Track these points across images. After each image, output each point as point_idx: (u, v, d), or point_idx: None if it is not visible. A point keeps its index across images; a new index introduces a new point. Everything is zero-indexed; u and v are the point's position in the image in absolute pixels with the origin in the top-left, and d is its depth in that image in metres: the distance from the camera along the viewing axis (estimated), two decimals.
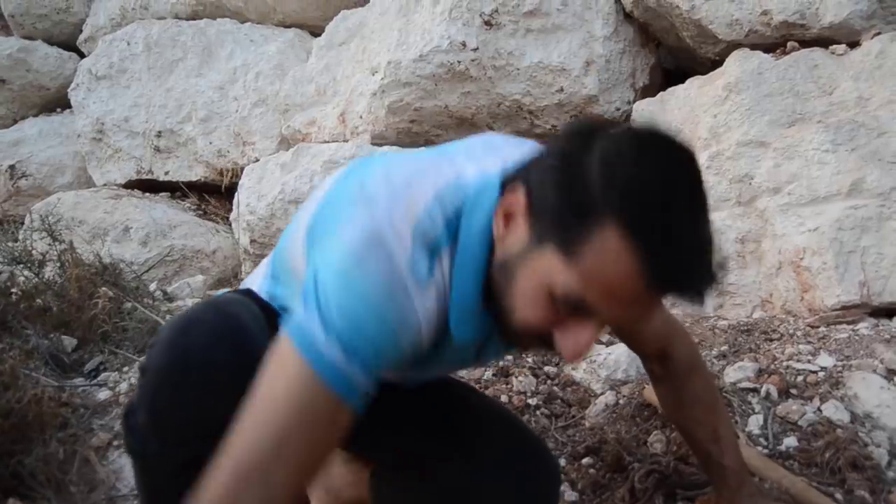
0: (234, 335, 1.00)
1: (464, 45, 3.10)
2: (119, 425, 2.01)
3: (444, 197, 0.91)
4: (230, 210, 4.07)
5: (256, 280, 1.23)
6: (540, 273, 0.84)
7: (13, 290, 2.64)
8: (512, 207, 0.88)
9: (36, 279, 2.77)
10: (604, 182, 0.77)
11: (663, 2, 2.98)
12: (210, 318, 1.02)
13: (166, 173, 4.19)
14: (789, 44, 2.65)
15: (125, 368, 2.45)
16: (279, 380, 0.84)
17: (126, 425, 1.05)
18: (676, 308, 2.63)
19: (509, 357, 2.31)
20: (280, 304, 1.15)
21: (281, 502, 0.82)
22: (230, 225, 3.92)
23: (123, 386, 2.18)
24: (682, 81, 3.69)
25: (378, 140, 3.35)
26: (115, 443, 1.93)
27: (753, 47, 2.84)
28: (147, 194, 4.20)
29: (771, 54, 2.62)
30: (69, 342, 2.60)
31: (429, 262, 0.88)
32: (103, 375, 2.31)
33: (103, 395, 2.11)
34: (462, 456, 1.12)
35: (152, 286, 3.40)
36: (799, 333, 2.13)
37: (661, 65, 3.61)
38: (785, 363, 1.92)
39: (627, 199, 0.76)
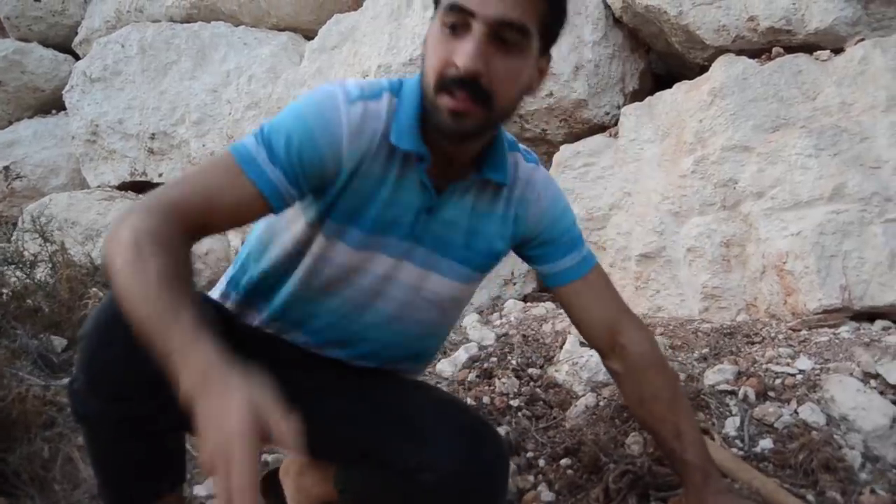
0: None
1: None
2: None
3: (370, 82, 1.18)
4: None
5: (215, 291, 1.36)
6: (435, 25, 1.07)
7: (3, 290, 2.66)
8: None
9: (27, 280, 2.79)
10: None
11: (651, 8, 3.00)
12: None
13: (160, 175, 4.21)
14: (774, 49, 2.68)
15: None
16: (207, 160, 1.04)
17: (70, 392, 1.14)
18: (663, 312, 2.66)
19: (493, 358, 2.33)
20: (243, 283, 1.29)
21: (185, 215, 1.00)
22: None
23: None
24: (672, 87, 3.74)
25: None
26: None
27: (740, 53, 2.86)
28: (141, 196, 4.22)
29: (756, 60, 2.64)
30: (59, 342, 2.62)
31: (361, 93, 1.12)
32: None
33: None
34: (415, 438, 1.18)
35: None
36: (780, 337, 2.14)
37: (651, 70, 3.64)
38: (764, 366, 1.94)
39: None
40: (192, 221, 1.00)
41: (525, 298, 3.27)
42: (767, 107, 2.49)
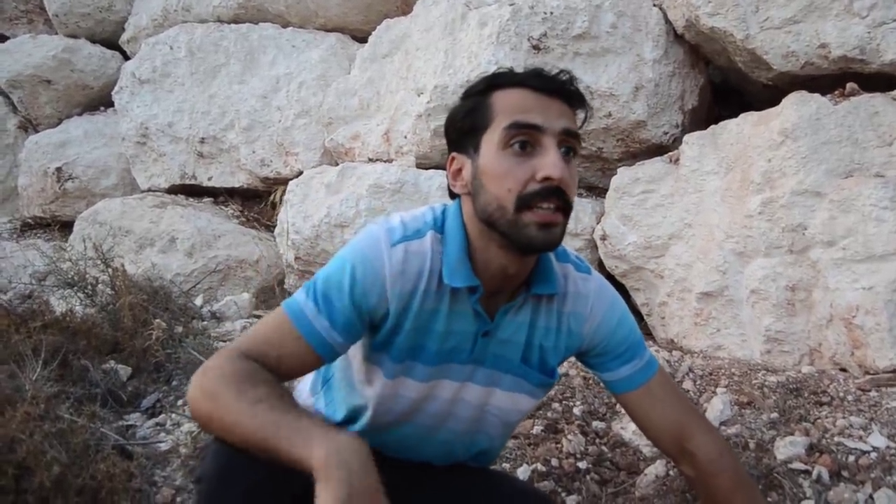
0: None
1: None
2: (181, 479, 2.09)
3: (415, 217, 1.23)
4: (272, 217, 4.11)
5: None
6: (490, 151, 1.12)
7: (69, 320, 2.71)
8: (451, 166, 1.21)
9: (92, 309, 2.84)
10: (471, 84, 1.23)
11: (717, 29, 2.92)
12: None
13: (209, 179, 4.24)
14: (848, 85, 2.59)
15: (179, 403, 2.53)
16: (267, 316, 1.18)
17: None
18: (723, 351, 2.64)
19: (557, 408, 2.34)
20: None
21: (254, 355, 1.09)
22: (272, 231, 3.97)
23: (181, 433, 2.24)
24: (731, 98, 3.65)
25: (423, 161, 3.35)
26: (179, 499, 2.01)
27: (809, 80, 2.78)
28: (191, 199, 4.26)
29: (829, 96, 2.56)
30: (124, 371, 2.68)
31: (404, 234, 1.17)
32: (161, 416, 2.39)
33: (164, 444, 2.18)
34: None
35: (198, 300, 3.47)
36: (850, 398, 2.12)
37: (710, 82, 3.55)
38: (836, 438, 1.93)
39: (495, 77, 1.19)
40: (271, 369, 1.10)
41: None
42: (841, 150, 2.42)
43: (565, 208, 1.10)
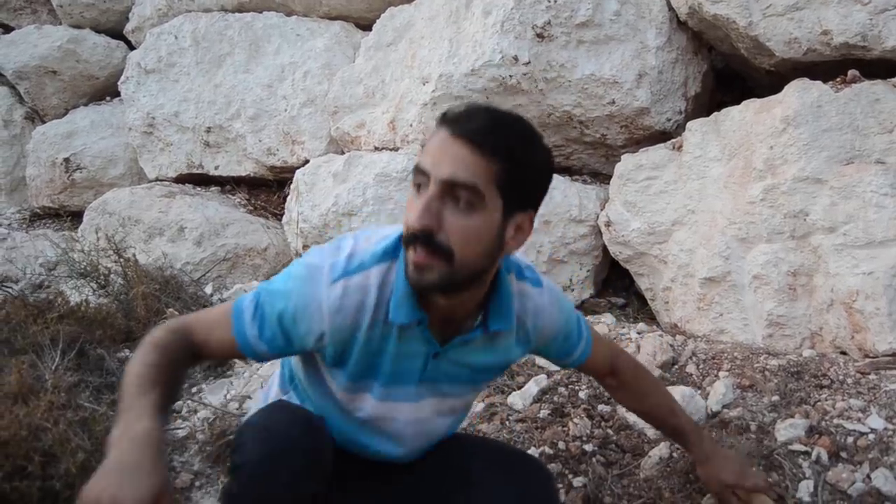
0: (306, 422, 1.29)
1: (515, 59, 3.10)
2: (199, 463, 2.15)
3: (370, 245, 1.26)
4: (279, 205, 4.16)
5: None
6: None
7: (83, 309, 2.77)
8: None
9: (105, 299, 2.90)
10: None
11: (720, 17, 2.94)
12: (283, 415, 1.30)
13: (216, 168, 4.28)
14: (850, 72, 2.62)
15: (193, 389, 2.58)
16: (223, 304, 1.29)
17: None
18: (726, 335, 2.69)
19: (561, 388, 2.40)
20: None
21: (191, 338, 1.22)
22: (280, 219, 4.01)
23: (197, 420, 2.30)
24: (734, 84, 3.67)
25: None
26: (197, 483, 2.07)
27: (812, 67, 2.81)
28: (198, 188, 4.30)
29: (830, 84, 2.59)
30: None
31: (345, 271, 1.21)
32: (178, 404, 2.44)
33: (182, 431, 2.24)
34: (466, 488, 1.39)
35: (208, 288, 3.53)
36: (849, 381, 2.17)
37: (713, 67, 3.57)
38: (835, 420, 1.98)
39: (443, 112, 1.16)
40: (192, 344, 1.23)
41: (583, 304, 3.32)
42: (842, 137, 2.46)
43: (443, 253, 1.11)
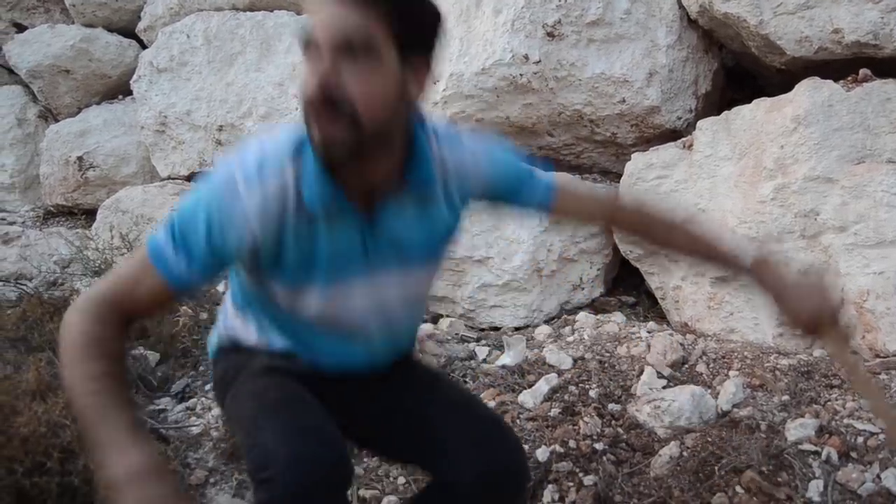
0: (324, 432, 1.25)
1: (526, 57, 3.11)
2: (213, 460, 2.18)
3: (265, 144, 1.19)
4: None
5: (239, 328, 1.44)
6: None
7: None
8: None
9: None
10: None
11: (731, 15, 2.94)
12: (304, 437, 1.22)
13: None
14: (861, 71, 2.61)
15: (207, 387, 2.61)
16: (133, 256, 1.22)
17: None
18: (736, 335, 2.69)
19: (571, 387, 2.41)
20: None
21: (114, 308, 1.13)
22: None
23: (211, 417, 2.33)
24: (744, 81, 3.67)
25: None
26: (211, 479, 2.10)
27: (823, 65, 2.80)
28: None
29: (841, 82, 2.59)
30: (153, 357, 2.77)
31: (259, 174, 1.14)
32: (192, 401, 2.48)
33: (196, 428, 2.27)
34: (439, 462, 1.38)
35: (221, 286, 3.55)
36: None
37: (723, 65, 3.57)
38: (845, 420, 1.99)
39: None
40: (120, 313, 1.14)
41: (593, 303, 3.33)
42: (853, 136, 2.46)
43: (346, 114, 1.06)
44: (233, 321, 1.44)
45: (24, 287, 3.81)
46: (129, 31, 4.95)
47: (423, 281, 1.40)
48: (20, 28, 5.21)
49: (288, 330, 1.36)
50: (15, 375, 2.00)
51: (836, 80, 2.62)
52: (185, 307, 2.88)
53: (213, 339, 1.52)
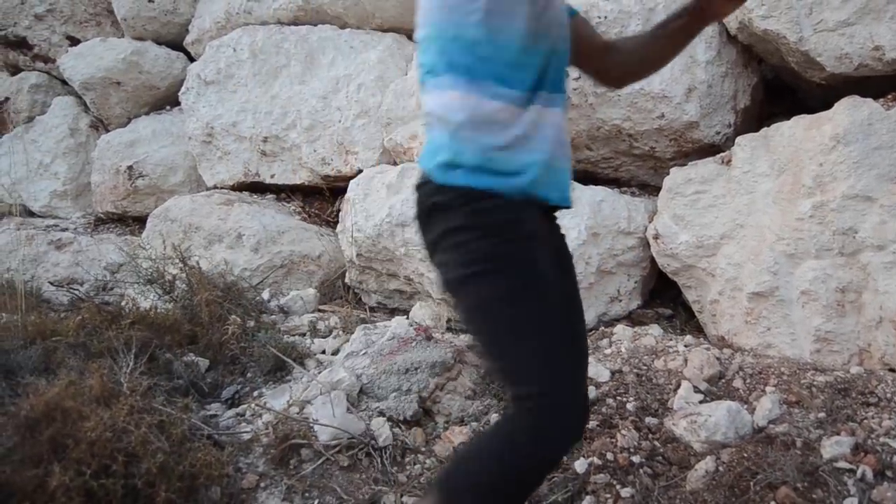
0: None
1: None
2: (263, 465, 2.27)
3: None
4: (333, 214, 4.28)
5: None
6: None
7: (152, 314, 2.92)
8: None
9: (170, 304, 3.05)
10: None
11: (770, 32, 2.97)
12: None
13: (272, 176, 4.42)
14: None
15: (255, 393, 2.71)
16: None
17: None
18: (773, 350, 2.72)
19: (609, 399, 2.46)
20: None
21: None
22: (333, 227, 4.13)
23: (261, 423, 2.43)
24: (784, 94, 3.68)
25: None
26: (262, 484, 2.19)
27: (863, 80, 2.82)
28: (255, 196, 4.45)
29: (881, 101, 2.61)
30: (203, 364, 2.87)
31: None
32: (242, 407, 2.57)
33: (246, 434, 2.36)
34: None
35: (265, 294, 3.67)
36: None
37: (763, 79, 3.58)
38: (882, 439, 2.01)
39: None
40: None
41: (631, 315, 3.37)
42: (892, 155, 2.47)
43: None
44: (464, 97, 1.37)
45: (77, 291, 3.97)
46: (177, 45, 5.11)
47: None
48: (73, 41, 5.41)
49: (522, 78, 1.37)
50: (79, 381, 2.11)
51: (876, 95, 2.64)
52: (234, 315, 2.99)
53: (438, 174, 1.39)
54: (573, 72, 3.14)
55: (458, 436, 2.34)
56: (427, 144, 1.43)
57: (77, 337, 2.69)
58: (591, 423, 2.34)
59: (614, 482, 2.08)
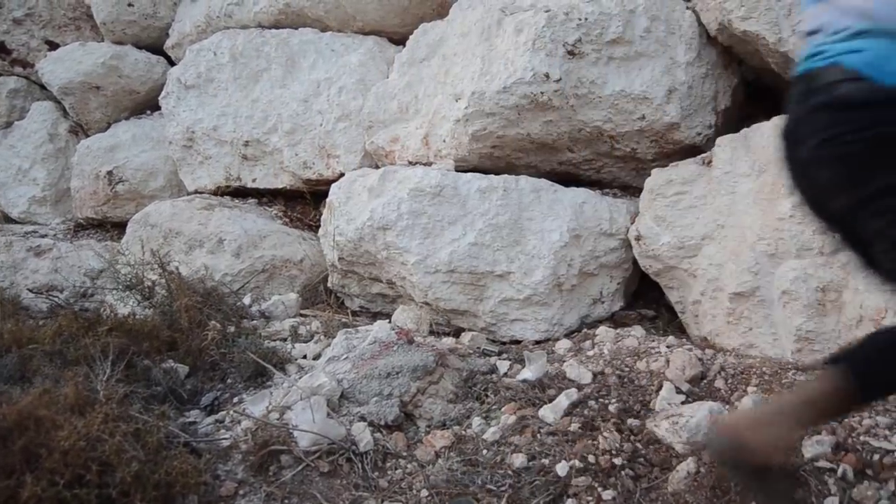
0: None
1: (547, 76, 3.16)
2: (242, 472, 2.24)
3: None
4: (315, 217, 4.26)
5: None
6: None
7: (130, 320, 2.89)
8: None
9: (149, 310, 3.01)
10: None
11: (750, 33, 2.98)
12: None
13: (253, 180, 4.39)
14: None
15: (235, 399, 2.69)
16: None
17: None
18: (755, 350, 2.72)
19: (591, 402, 2.45)
20: None
21: None
22: (315, 231, 4.11)
23: (240, 430, 2.40)
24: (765, 95, 3.69)
25: (461, 164, 3.46)
26: (241, 491, 2.16)
27: None
28: (236, 200, 4.41)
29: None
30: (182, 370, 2.84)
31: None
32: (221, 414, 2.55)
33: (225, 441, 2.33)
34: None
35: (246, 299, 3.64)
36: None
37: (743, 79, 3.59)
38: (862, 438, 2.01)
39: None
40: None
41: (613, 317, 3.37)
42: None
43: None
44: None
45: (56, 298, 3.92)
46: (157, 49, 5.07)
47: None
48: (53, 46, 5.36)
49: None
50: (54, 389, 2.07)
51: None
52: (213, 321, 2.96)
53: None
54: (553, 72, 3.15)
55: (440, 440, 2.32)
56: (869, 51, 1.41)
57: (54, 344, 2.65)
58: (574, 426, 2.33)
59: (596, 485, 2.07)
